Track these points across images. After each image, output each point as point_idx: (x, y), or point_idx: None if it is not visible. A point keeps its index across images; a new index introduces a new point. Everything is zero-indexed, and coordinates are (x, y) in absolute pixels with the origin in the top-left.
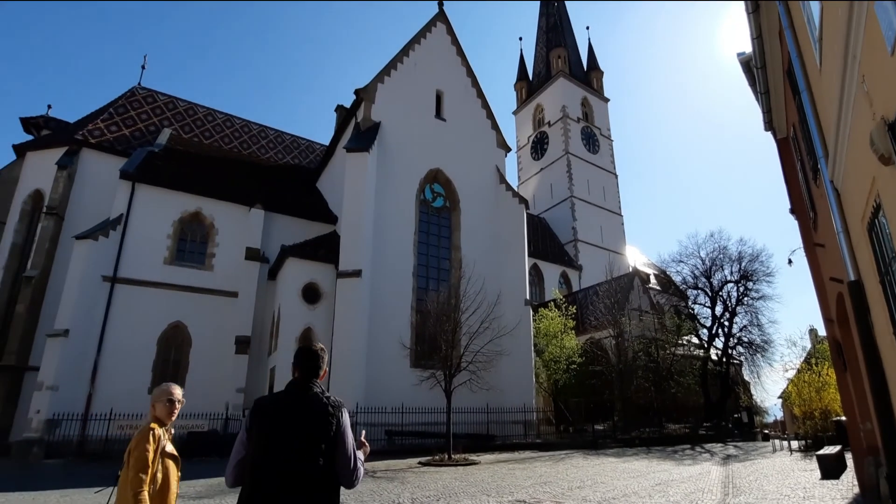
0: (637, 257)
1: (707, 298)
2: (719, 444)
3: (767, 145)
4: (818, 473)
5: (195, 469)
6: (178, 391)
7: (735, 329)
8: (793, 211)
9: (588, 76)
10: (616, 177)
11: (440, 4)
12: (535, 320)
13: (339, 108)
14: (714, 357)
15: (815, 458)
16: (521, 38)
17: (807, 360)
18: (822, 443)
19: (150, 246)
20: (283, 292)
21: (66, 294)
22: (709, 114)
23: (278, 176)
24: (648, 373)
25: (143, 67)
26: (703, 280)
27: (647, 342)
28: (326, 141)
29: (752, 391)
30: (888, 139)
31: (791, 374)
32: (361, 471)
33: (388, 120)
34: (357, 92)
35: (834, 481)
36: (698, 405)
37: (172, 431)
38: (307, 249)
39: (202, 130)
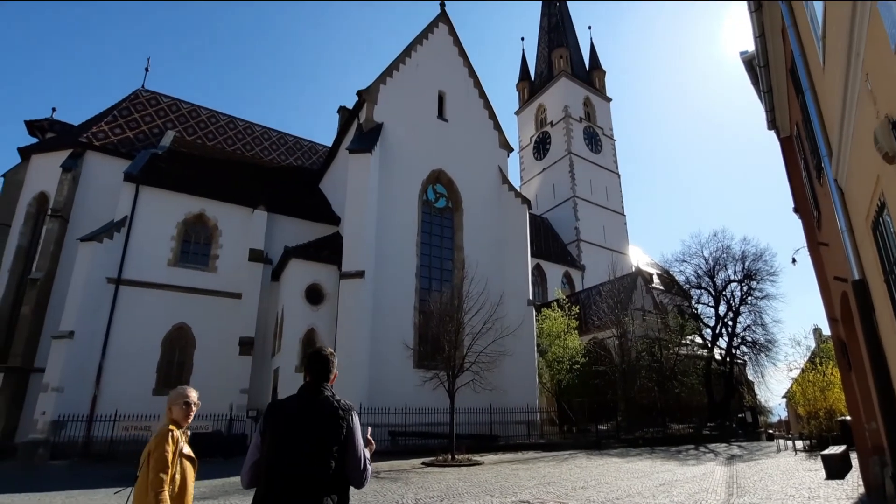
0: (640, 257)
1: (710, 298)
2: (723, 444)
3: (770, 144)
4: (823, 473)
5: (199, 470)
6: (193, 394)
7: (739, 328)
8: (796, 210)
9: (590, 76)
10: (618, 176)
11: (442, 6)
12: (538, 320)
13: (342, 110)
14: (718, 357)
15: (819, 458)
16: (522, 39)
17: (811, 360)
18: (827, 442)
19: (154, 248)
20: (287, 293)
21: (70, 296)
22: (711, 113)
23: (281, 177)
24: (652, 373)
25: (146, 70)
26: (707, 279)
27: (650, 342)
28: (329, 142)
29: (756, 391)
30: (892, 137)
31: (795, 373)
32: (370, 470)
33: (391, 121)
34: (359, 93)
35: (839, 481)
36: (702, 405)
37: (189, 433)
38: (310, 250)
39: (205, 132)
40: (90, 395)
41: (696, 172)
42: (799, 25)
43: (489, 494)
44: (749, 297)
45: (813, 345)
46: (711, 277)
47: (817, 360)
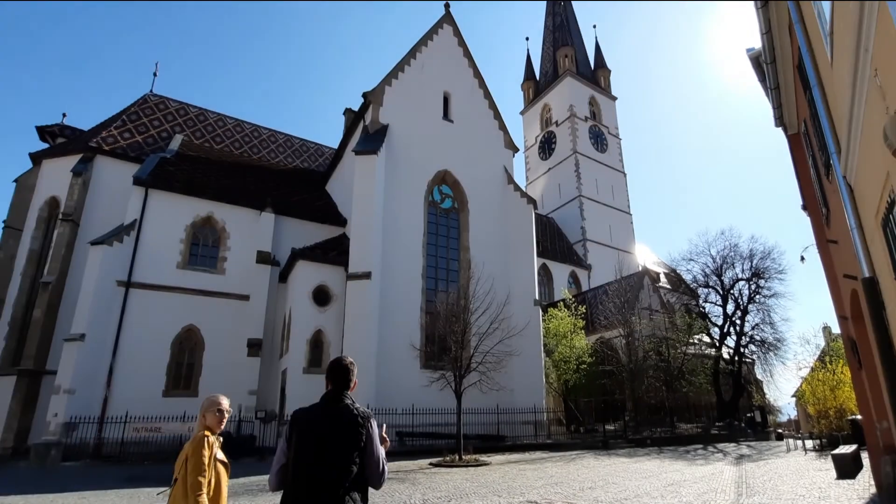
0: (647, 256)
1: (718, 297)
2: (732, 444)
3: (778, 141)
4: (834, 473)
5: None
6: (225, 402)
7: (747, 327)
8: (805, 207)
9: (595, 75)
10: (625, 175)
11: (447, 6)
12: (544, 320)
13: (348, 112)
14: (726, 356)
15: (830, 458)
16: (527, 38)
17: (821, 358)
18: (838, 442)
19: (164, 251)
20: (294, 295)
21: (81, 299)
22: (718, 110)
23: (288, 180)
24: (659, 372)
25: (154, 74)
26: (714, 278)
27: (657, 341)
28: (335, 144)
29: (765, 390)
30: None
31: (805, 372)
32: (387, 471)
33: (396, 122)
34: (365, 95)
35: (850, 481)
36: (710, 404)
37: (221, 439)
38: (317, 252)
39: (213, 136)
40: (101, 397)
41: (702, 170)
42: (806, 21)
43: (497, 495)
44: (757, 296)
45: (822, 343)
46: (719, 276)
47: (827, 358)
